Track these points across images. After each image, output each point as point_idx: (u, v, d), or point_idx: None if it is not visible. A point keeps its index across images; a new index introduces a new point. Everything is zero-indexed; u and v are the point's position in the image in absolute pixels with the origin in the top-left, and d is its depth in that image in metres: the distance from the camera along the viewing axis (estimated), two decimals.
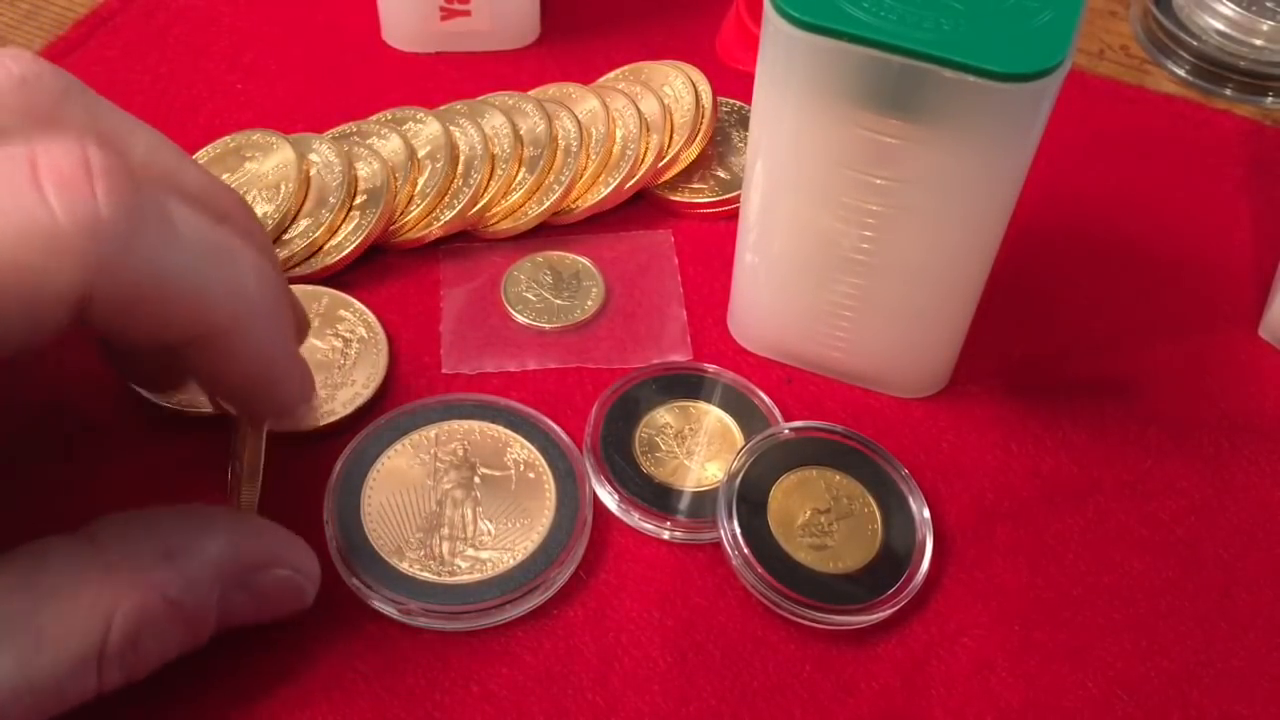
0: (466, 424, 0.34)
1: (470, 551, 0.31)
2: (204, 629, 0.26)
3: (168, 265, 0.23)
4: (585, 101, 0.42)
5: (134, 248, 0.22)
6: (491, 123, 0.41)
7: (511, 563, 0.31)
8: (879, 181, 0.30)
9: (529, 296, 0.38)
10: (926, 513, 0.32)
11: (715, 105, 0.42)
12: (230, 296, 0.24)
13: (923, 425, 0.36)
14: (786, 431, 0.34)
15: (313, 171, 0.39)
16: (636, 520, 0.32)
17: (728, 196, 0.41)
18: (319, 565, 0.29)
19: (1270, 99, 0.47)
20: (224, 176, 0.39)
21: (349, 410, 0.34)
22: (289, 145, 0.40)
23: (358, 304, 0.37)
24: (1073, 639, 0.31)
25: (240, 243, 0.25)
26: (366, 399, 0.35)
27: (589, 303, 0.38)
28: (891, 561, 0.32)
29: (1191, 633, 0.32)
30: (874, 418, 0.36)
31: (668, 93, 0.43)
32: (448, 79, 0.45)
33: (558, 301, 0.38)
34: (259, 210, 0.38)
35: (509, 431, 0.34)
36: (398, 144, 0.40)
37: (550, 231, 0.40)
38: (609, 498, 0.33)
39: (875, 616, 0.31)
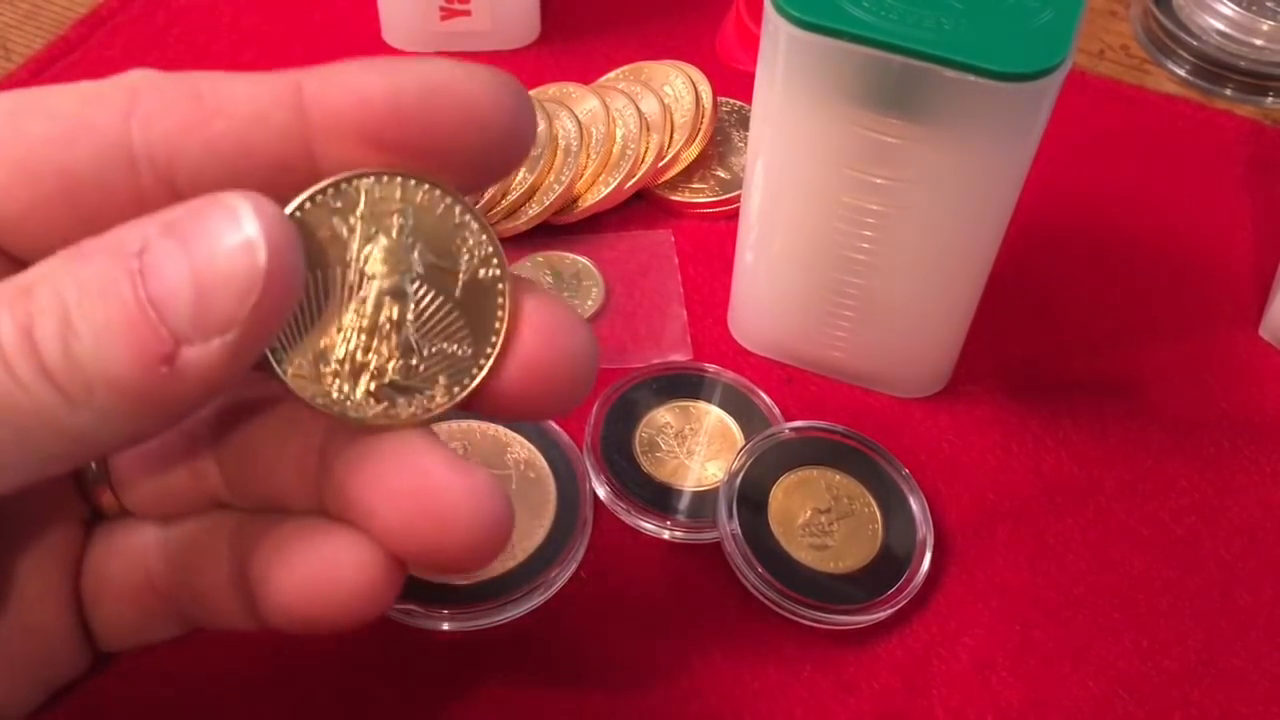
0: (466, 424, 0.34)
1: None
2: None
3: None
4: (585, 101, 0.42)
5: None
6: None
7: (512, 563, 0.31)
8: (879, 181, 0.30)
9: None
10: (927, 512, 0.32)
11: (715, 105, 0.42)
12: None
13: (923, 425, 0.36)
14: (787, 431, 0.34)
15: None
16: (637, 520, 0.32)
17: (728, 196, 0.41)
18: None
19: (1270, 99, 0.47)
20: None
21: None
22: None
23: None
24: (1073, 638, 0.31)
25: None
26: None
27: (589, 303, 0.38)
28: (892, 561, 0.32)
29: (1192, 632, 0.32)
30: (874, 418, 0.36)
31: (668, 92, 0.42)
32: None
33: None
34: None
35: (509, 431, 0.34)
36: None
37: (550, 231, 0.40)
38: (609, 497, 0.33)
39: (876, 616, 0.31)
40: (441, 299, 0.23)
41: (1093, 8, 0.51)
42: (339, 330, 0.22)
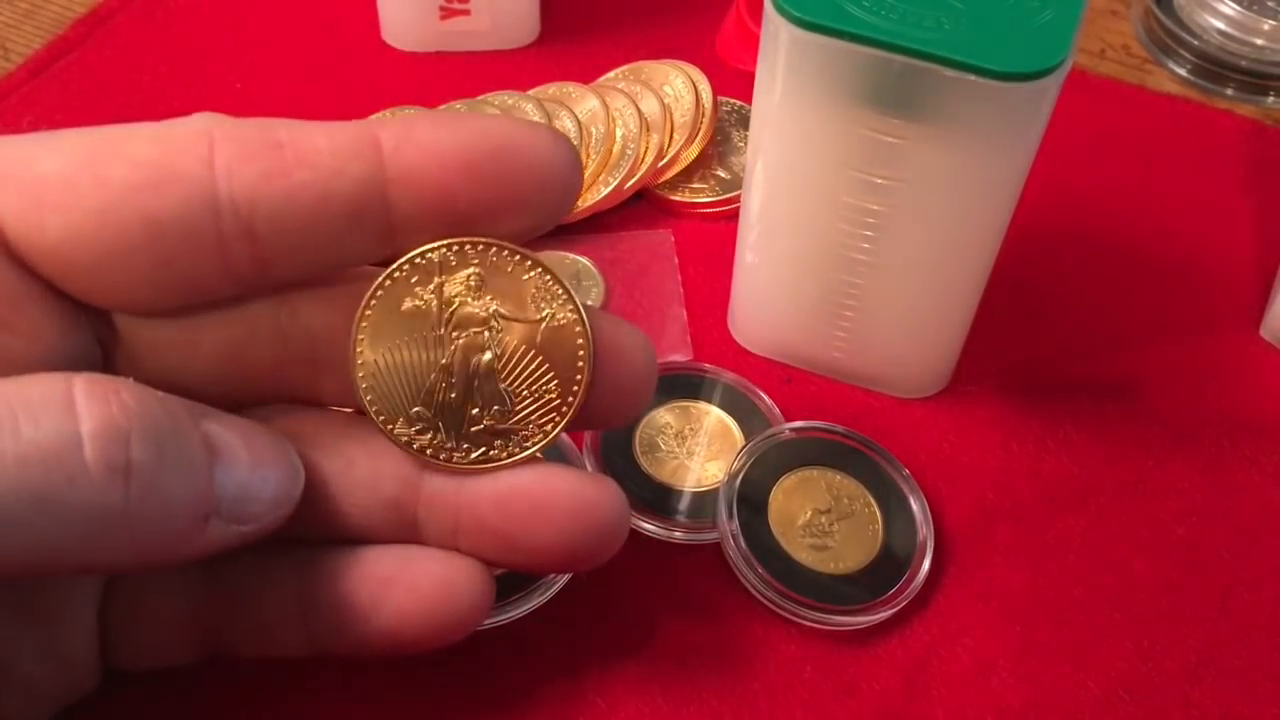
0: None
1: None
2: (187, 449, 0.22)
3: None
4: (585, 101, 0.42)
5: None
6: None
7: None
8: (880, 181, 0.30)
9: None
10: (927, 513, 0.32)
11: (715, 105, 0.42)
12: None
13: (923, 425, 0.36)
14: (787, 431, 0.34)
15: None
16: (637, 520, 0.32)
17: (728, 196, 0.41)
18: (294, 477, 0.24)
19: (1271, 98, 0.47)
20: None
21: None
22: None
23: None
24: (1074, 639, 0.31)
25: None
26: None
27: (589, 303, 0.38)
28: (892, 562, 0.32)
29: (1193, 633, 0.32)
30: (874, 418, 0.36)
31: (668, 92, 0.42)
32: (447, 79, 0.45)
33: None
34: None
35: None
36: None
37: (550, 231, 0.39)
38: None
39: (876, 617, 0.31)
40: (525, 346, 0.25)
41: (1093, 7, 0.51)
42: (434, 388, 0.25)
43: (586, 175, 0.40)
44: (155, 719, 0.28)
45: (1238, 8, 0.47)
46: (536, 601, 0.31)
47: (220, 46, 0.46)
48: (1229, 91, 0.47)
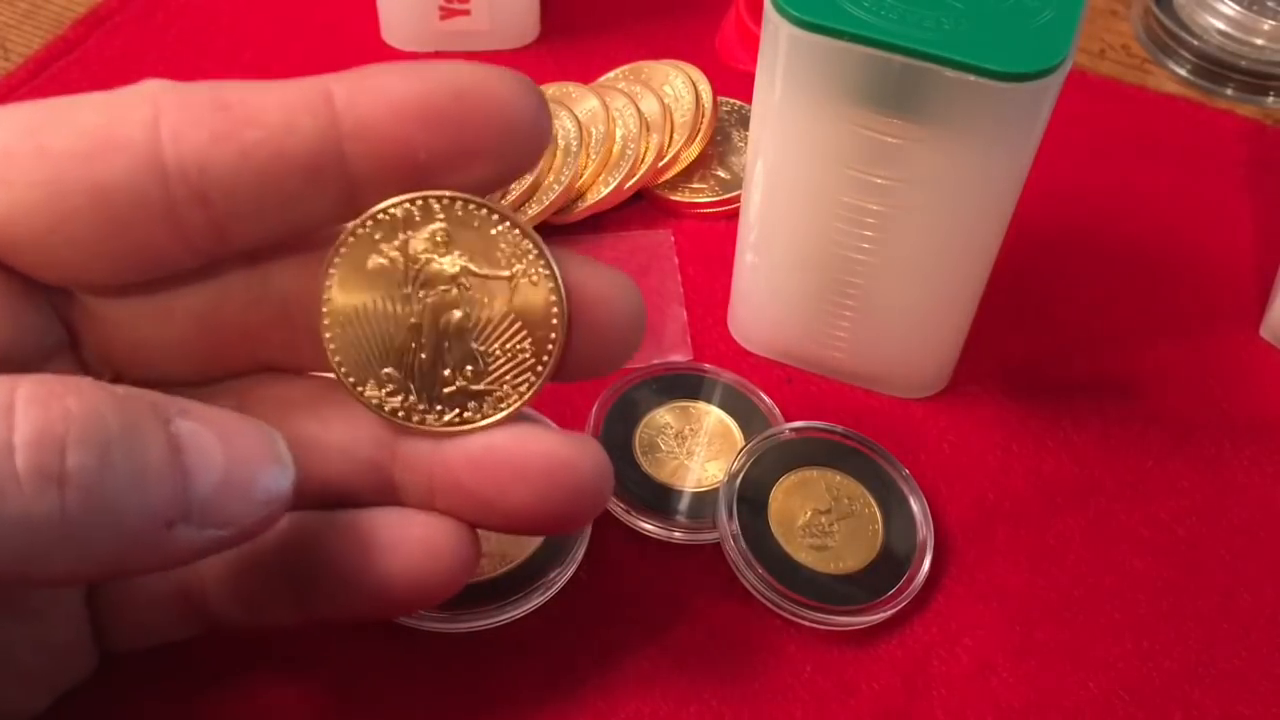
0: None
1: None
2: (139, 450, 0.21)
3: None
4: (585, 101, 0.42)
5: None
6: None
7: (512, 563, 0.31)
8: (879, 181, 0.30)
9: None
10: (927, 513, 0.32)
11: (715, 105, 0.42)
12: None
13: (923, 425, 0.36)
14: (787, 431, 0.34)
15: None
16: (636, 520, 0.32)
17: (728, 196, 0.41)
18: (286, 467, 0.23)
19: (1271, 99, 0.47)
20: None
21: None
22: None
23: None
24: (1074, 639, 0.31)
25: None
26: None
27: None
28: (892, 562, 0.32)
29: (1193, 633, 0.32)
30: (874, 418, 0.36)
31: (668, 92, 0.42)
32: None
33: None
34: None
35: None
36: None
37: (550, 231, 0.40)
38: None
39: (876, 617, 0.31)
40: (496, 304, 0.24)
41: (1093, 7, 0.51)
42: (404, 348, 0.24)
43: (586, 175, 0.40)
44: (153, 703, 0.28)
45: (1238, 8, 0.47)
46: (536, 601, 0.31)
47: (220, 47, 0.46)
48: (1229, 91, 0.47)
